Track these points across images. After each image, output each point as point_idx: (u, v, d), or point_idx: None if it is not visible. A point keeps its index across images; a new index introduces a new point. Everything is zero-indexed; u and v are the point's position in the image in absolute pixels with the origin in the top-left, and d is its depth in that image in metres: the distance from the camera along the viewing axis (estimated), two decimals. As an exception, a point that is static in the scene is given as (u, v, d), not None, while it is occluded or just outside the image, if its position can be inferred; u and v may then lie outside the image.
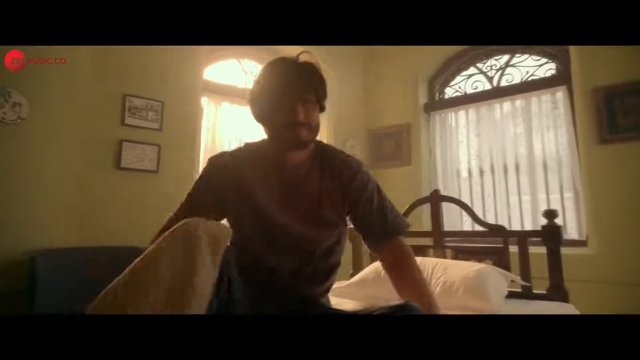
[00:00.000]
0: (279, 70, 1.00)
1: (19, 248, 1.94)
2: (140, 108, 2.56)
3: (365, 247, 2.07)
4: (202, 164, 2.88)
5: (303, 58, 1.02)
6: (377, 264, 1.71)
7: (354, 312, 1.00)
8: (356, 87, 3.69)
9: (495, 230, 1.73)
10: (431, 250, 1.91)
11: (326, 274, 1.07)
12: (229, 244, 0.79)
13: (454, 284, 1.41)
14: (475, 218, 1.80)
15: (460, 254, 1.82)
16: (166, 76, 2.66)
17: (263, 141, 1.10)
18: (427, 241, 1.95)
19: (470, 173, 3.36)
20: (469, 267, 1.48)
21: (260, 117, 1.04)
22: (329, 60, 3.50)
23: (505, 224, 3.06)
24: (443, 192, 3.33)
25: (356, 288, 1.63)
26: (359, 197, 1.06)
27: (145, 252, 0.69)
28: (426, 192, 3.31)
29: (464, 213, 3.17)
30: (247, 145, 1.13)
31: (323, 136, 3.54)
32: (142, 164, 2.50)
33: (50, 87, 2.21)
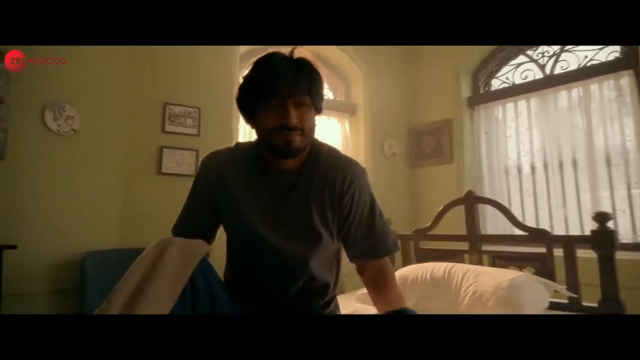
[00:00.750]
0: (269, 67, 0.88)
1: (74, 249, 2.11)
2: (179, 115, 2.67)
3: (403, 247, 1.99)
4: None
5: (297, 54, 0.91)
6: (403, 271, 1.64)
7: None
8: (394, 84, 3.57)
9: (538, 235, 1.58)
10: (466, 256, 1.78)
11: (322, 290, 0.98)
12: (205, 258, 0.79)
13: (485, 293, 1.30)
14: (514, 221, 1.65)
15: (499, 260, 1.68)
16: (202, 82, 2.75)
17: (253, 143, 1.01)
18: (463, 245, 1.83)
19: (520, 170, 3.12)
20: (503, 276, 1.36)
21: (248, 118, 0.93)
22: (363, 57, 3.42)
23: (562, 225, 2.81)
24: (489, 191, 3.17)
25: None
26: (349, 208, 0.94)
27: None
28: (470, 191, 3.15)
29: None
30: (237, 145, 1.03)
31: (359, 138, 3.48)
32: (181, 169, 2.61)
33: (98, 99, 2.37)
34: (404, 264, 1.97)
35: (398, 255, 2.03)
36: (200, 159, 2.63)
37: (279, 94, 0.85)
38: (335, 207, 0.94)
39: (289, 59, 0.90)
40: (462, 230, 1.76)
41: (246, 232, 0.95)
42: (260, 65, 0.90)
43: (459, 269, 1.49)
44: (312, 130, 0.92)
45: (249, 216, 0.94)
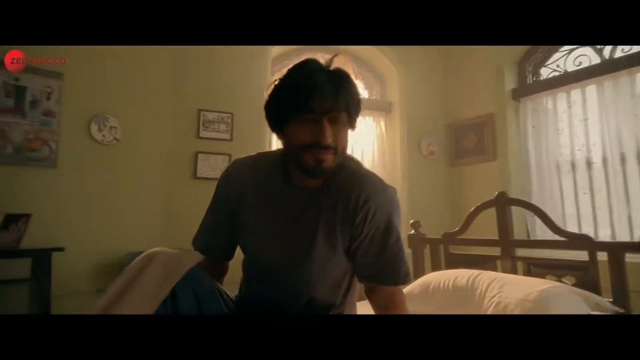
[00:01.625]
0: (306, 77, 0.80)
1: (118, 250, 2.26)
2: (213, 121, 2.76)
3: (427, 253, 1.91)
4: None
5: (336, 63, 0.84)
6: (427, 277, 1.55)
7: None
8: (431, 80, 3.42)
9: (579, 241, 1.42)
10: (499, 262, 1.65)
11: (325, 310, 0.93)
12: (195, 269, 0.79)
13: (509, 305, 1.19)
14: (550, 225, 1.50)
15: (535, 267, 1.54)
16: (235, 87, 2.82)
17: (278, 153, 0.95)
18: (496, 251, 1.69)
19: (573, 166, 2.85)
20: (534, 286, 1.23)
21: (276, 129, 0.87)
22: (398, 53, 3.32)
23: (625, 225, 2.52)
24: (538, 190, 2.92)
25: (402, 302, 1.49)
26: (362, 227, 0.86)
27: None
28: (516, 190, 2.93)
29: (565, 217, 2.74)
30: (259, 155, 0.99)
31: (395, 137, 3.37)
32: (215, 173, 2.70)
33: (138, 109, 2.52)
34: (434, 269, 1.87)
35: (427, 260, 1.94)
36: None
37: (315, 108, 0.78)
38: (347, 226, 0.87)
39: (328, 69, 0.83)
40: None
41: (253, 250, 0.94)
42: (296, 74, 0.83)
43: (485, 278, 1.38)
44: (345, 149, 0.85)
45: (259, 234, 0.92)
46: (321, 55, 0.89)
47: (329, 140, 0.79)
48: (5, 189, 2.06)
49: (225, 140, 2.76)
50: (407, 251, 1.98)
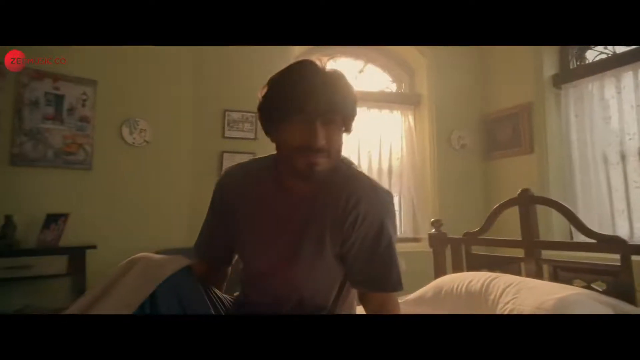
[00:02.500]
0: (299, 79, 0.79)
1: (147, 248, 2.36)
2: (237, 121, 2.81)
3: (448, 252, 1.83)
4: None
5: (329, 69, 0.82)
6: (440, 280, 1.49)
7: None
8: (462, 69, 3.25)
9: (609, 243, 1.28)
10: (523, 265, 1.54)
11: (315, 312, 0.91)
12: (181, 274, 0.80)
13: (523, 313, 1.10)
14: (578, 226, 1.37)
15: (562, 271, 1.41)
16: (258, 87, 2.84)
17: (269, 158, 0.94)
18: (520, 252, 1.58)
19: (623, 157, 2.60)
20: (552, 292, 1.13)
21: (268, 129, 0.86)
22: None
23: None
24: (582, 184, 2.69)
25: (414, 306, 1.44)
26: (351, 231, 0.83)
27: None
28: (555, 185, 2.73)
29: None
30: (251, 161, 0.99)
31: (424, 130, 3.25)
32: (240, 172, 2.75)
33: (166, 112, 2.63)
34: (454, 271, 1.78)
35: (448, 260, 1.85)
36: (258, 161, 2.77)
37: (308, 110, 0.77)
38: (337, 231, 0.84)
39: (322, 71, 0.81)
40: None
41: (246, 256, 0.95)
42: (289, 75, 0.82)
43: (501, 282, 1.29)
44: (339, 151, 0.83)
45: (251, 240, 0.92)
46: (317, 57, 0.88)
47: (322, 142, 0.77)
48: (46, 190, 2.23)
49: (250, 139, 2.81)
50: (428, 251, 1.92)
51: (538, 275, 1.46)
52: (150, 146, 2.56)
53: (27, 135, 2.23)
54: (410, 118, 3.33)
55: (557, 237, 2.54)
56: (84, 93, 2.40)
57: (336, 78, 0.81)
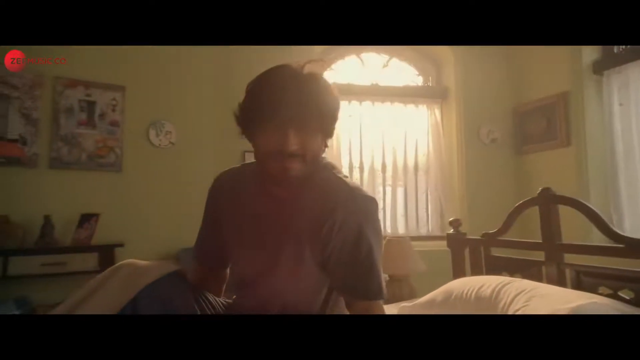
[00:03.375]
0: (274, 83, 0.80)
1: (171, 246, 2.48)
2: (259, 120, 2.85)
3: (466, 254, 1.75)
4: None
5: (309, 69, 0.81)
6: (451, 285, 1.42)
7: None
8: (492, 59, 3.08)
9: (638, 249, 1.16)
10: (544, 269, 1.44)
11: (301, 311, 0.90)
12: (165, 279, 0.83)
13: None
14: (604, 228, 1.25)
15: (585, 277, 1.31)
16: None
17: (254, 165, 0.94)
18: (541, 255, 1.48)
19: (676, 150, 2.36)
20: (567, 301, 1.05)
21: (245, 134, 0.87)
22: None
23: None
24: (626, 179, 2.48)
25: (422, 309, 1.39)
26: (329, 238, 0.82)
27: None
28: (596, 180, 2.54)
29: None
30: (240, 167, 1.01)
31: (452, 125, 3.13)
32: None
33: (190, 114, 2.71)
34: (473, 273, 1.70)
35: (468, 262, 1.78)
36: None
37: (280, 115, 0.76)
38: (316, 236, 0.83)
39: (298, 75, 0.80)
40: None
41: (233, 260, 0.97)
42: (264, 82, 0.82)
43: (513, 288, 1.21)
44: (316, 156, 0.83)
45: (237, 244, 0.93)
46: (296, 61, 0.86)
47: (293, 147, 0.77)
48: (80, 191, 2.38)
49: (271, 138, 2.83)
50: (445, 250, 1.85)
51: (560, 280, 1.37)
52: (175, 147, 2.65)
53: (63, 140, 2.39)
54: (437, 112, 3.22)
55: (586, 240, 2.37)
56: (113, 99, 2.53)
57: (313, 82, 0.80)
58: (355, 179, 3.11)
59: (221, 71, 2.80)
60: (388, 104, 3.20)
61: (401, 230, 3.12)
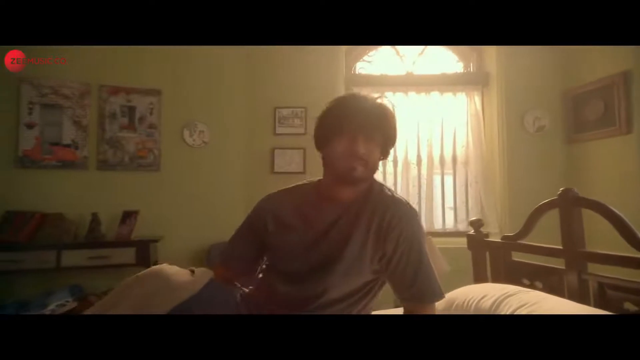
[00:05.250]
0: (352, 103, 0.98)
1: (203, 241, 2.61)
2: (287, 117, 2.88)
3: (487, 257, 1.64)
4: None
5: (380, 101, 0.99)
6: (455, 293, 1.33)
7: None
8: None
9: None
10: (565, 278, 1.28)
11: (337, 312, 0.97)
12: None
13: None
14: (629, 236, 1.08)
15: (610, 290, 1.14)
16: (308, 82, 2.87)
17: (315, 182, 1.08)
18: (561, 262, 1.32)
19: None
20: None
21: (320, 142, 1.01)
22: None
23: None
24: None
25: (424, 317, 1.32)
26: (395, 247, 0.95)
27: None
28: (661, 173, 2.20)
29: None
30: (297, 185, 1.11)
31: (493, 116, 2.90)
32: (290, 167, 2.83)
33: (222, 113, 2.82)
34: (493, 279, 1.58)
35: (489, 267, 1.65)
36: (308, 157, 2.80)
37: (354, 125, 0.93)
38: (381, 243, 0.95)
39: (373, 101, 0.98)
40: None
41: (283, 261, 1.01)
42: (343, 102, 0.99)
43: (516, 301, 1.09)
44: (375, 165, 0.98)
45: (294, 246, 1.00)
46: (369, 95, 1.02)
47: (362, 151, 0.93)
48: (124, 190, 2.59)
49: (299, 134, 2.85)
50: (467, 253, 1.74)
51: (581, 292, 1.21)
52: (208, 146, 2.77)
53: (108, 144, 2.62)
54: (477, 100, 2.99)
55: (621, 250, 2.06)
56: (150, 103, 2.70)
57: (382, 108, 0.97)
58: (388, 173, 3.03)
59: (250, 72, 2.87)
60: (423, 94, 3.04)
61: (437, 226, 2.98)
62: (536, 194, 2.59)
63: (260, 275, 1.09)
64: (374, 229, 0.95)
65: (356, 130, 0.93)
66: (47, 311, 2.14)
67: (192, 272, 0.99)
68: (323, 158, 1.01)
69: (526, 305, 1.06)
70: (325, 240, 0.97)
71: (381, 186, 1.03)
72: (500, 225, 2.77)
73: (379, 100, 0.99)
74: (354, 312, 0.99)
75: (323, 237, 0.98)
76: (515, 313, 1.05)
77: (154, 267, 0.96)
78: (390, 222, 0.95)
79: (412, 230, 0.95)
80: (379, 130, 0.96)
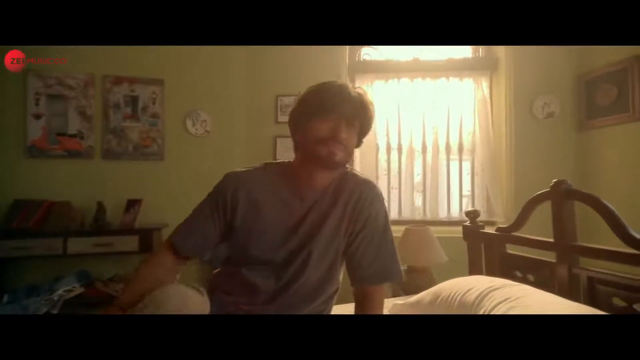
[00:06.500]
0: (332, 90, 0.97)
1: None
2: (289, 105, 2.85)
3: (483, 248, 1.61)
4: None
5: (359, 90, 1.01)
6: (442, 286, 1.31)
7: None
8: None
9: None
10: (556, 272, 1.24)
11: (310, 295, 1.01)
12: None
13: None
14: (619, 230, 1.03)
15: (600, 285, 1.10)
16: (310, 69, 2.83)
17: (285, 162, 1.08)
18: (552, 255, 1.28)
19: None
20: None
21: (298, 128, 1.00)
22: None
23: None
24: None
25: (411, 309, 1.31)
26: (363, 224, 1.00)
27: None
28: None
29: None
30: (264, 165, 1.08)
31: (501, 100, 2.80)
32: (292, 155, 2.79)
33: (224, 102, 2.82)
34: (488, 271, 1.55)
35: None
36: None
37: (338, 111, 0.94)
38: (352, 222, 1.00)
39: (351, 89, 0.99)
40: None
41: (254, 246, 0.99)
42: (326, 87, 0.99)
43: (500, 295, 1.07)
44: (352, 152, 1.00)
45: (266, 231, 0.99)
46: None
47: (343, 136, 0.94)
48: (128, 179, 2.64)
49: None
50: (463, 244, 1.71)
51: (571, 286, 1.18)
52: (211, 135, 2.79)
53: (112, 133, 2.66)
54: (485, 86, 2.90)
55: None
56: (153, 92, 2.72)
57: (363, 96, 1.00)
58: (393, 160, 2.99)
59: (251, 61, 2.85)
60: (429, 79, 2.96)
61: (442, 214, 2.93)
62: (544, 182, 2.53)
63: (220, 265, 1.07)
64: (349, 210, 1.00)
65: (340, 115, 0.94)
66: (55, 296, 2.22)
67: (199, 290, 0.98)
68: (299, 142, 1.01)
69: (508, 300, 1.04)
70: (304, 224, 0.99)
71: (352, 169, 1.06)
72: (506, 215, 2.70)
73: (359, 90, 1.00)
74: (326, 298, 1.04)
75: (302, 221, 1.00)
76: (497, 307, 1.02)
77: (169, 289, 0.88)
78: (363, 203, 1.00)
79: (380, 212, 1.01)
80: (359, 118, 0.98)
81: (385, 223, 1.03)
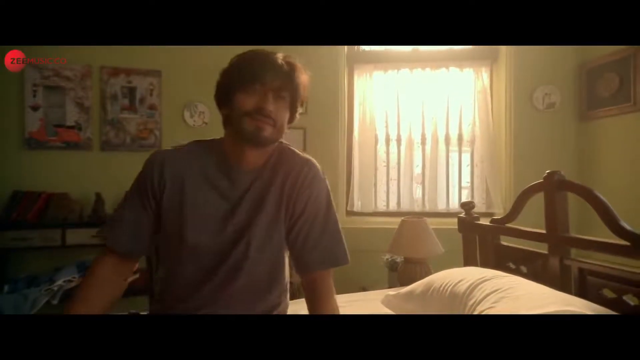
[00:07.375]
0: (259, 58, 0.89)
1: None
2: (287, 96, 2.84)
3: (478, 240, 1.60)
4: (347, 138, 2.90)
5: (288, 59, 0.93)
6: (434, 277, 1.31)
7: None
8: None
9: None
10: (548, 263, 1.24)
11: (262, 293, 0.93)
12: None
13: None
14: (610, 222, 1.02)
15: (590, 276, 1.09)
16: (307, 59, 2.77)
17: (216, 140, 0.98)
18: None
19: None
20: (536, 306, 0.89)
21: (223, 99, 0.91)
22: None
23: None
24: None
25: (402, 301, 1.31)
26: (304, 206, 0.91)
27: None
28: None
29: None
30: (194, 142, 0.99)
31: (500, 91, 2.77)
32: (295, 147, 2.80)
33: (221, 94, 2.80)
34: (482, 262, 1.54)
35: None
36: (308, 137, 2.77)
37: (263, 81, 0.87)
38: (291, 205, 0.92)
39: (280, 57, 0.91)
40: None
41: (189, 235, 0.91)
42: (251, 55, 0.91)
43: (490, 285, 1.06)
44: (283, 126, 0.91)
45: (199, 218, 0.91)
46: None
47: (270, 109, 0.86)
48: (125, 171, 2.63)
49: (300, 113, 2.80)
50: (458, 236, 1.70)
51: (563, 277, 1.17)
52: (209, 127, 2.77)
53: (110, 125, 2.66)
54: (485, 76, 2.86)
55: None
56: (151, 84, 2.72)
57: (292, 64, 0.91)
58: (392, 152, 2.97)
59: (249, 49, 2.82)
60: (428, 70, 2.93)
61: (441, 206, 2.92)
62: (544, 174, 2.53)
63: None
64: (287, 191, 0.91)
65: (266, 86, 0.86)
66: (55, 286, 2.25)
67: None
68: (226, 117, 0.92)
69: (498, 291, 1.03)
70: (238, 211, 0.90)
71: (289, 147, 0.99)
72: (505, 207, 2.69)
73: (288, 58, 0.92)
74: (280, 292, 0.97)
75: (236, 206, 0.91)
76: (487, 297, 1.02)
77: None
78: (303, 183, 0.91)
79: (322, 191, 0.93)
80: (288, 89, 0.89)
81: (328, 203, 0.94)
